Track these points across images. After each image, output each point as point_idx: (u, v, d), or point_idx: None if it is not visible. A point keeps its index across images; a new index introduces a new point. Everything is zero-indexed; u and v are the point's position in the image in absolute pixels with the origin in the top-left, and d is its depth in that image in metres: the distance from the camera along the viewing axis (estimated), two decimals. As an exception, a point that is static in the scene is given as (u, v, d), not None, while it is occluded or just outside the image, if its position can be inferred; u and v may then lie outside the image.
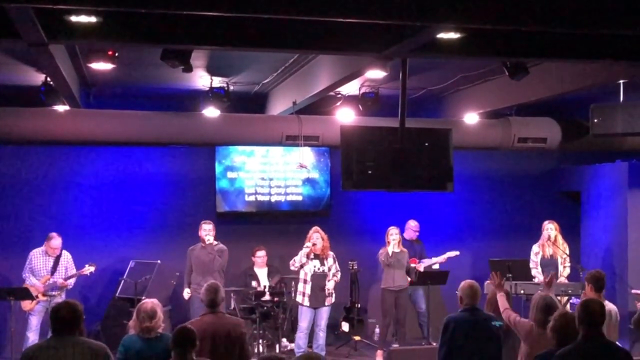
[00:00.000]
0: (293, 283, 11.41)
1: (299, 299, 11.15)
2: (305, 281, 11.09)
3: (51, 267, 11.02)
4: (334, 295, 11.25)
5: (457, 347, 7.22)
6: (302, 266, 11.08)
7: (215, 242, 11.28)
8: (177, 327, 6.21)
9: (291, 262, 11.18)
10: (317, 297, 11.07)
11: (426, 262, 12.44)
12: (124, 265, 11.87)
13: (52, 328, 5.78)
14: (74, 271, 11.16)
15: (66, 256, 11.18)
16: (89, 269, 11.24)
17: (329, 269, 11.18)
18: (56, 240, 11.06)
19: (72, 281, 11.19)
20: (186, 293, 11.24)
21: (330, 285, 11.16)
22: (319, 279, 11.08)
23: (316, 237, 11.13)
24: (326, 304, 11.15)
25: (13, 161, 12.33)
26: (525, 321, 7.20)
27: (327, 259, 11.21)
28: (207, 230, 11.28)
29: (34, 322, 10.78)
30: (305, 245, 11.06)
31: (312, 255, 11.08)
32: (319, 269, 11.11)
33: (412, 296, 12.38)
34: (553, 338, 5.96)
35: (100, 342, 5.89)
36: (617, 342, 6.85)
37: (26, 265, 10.98)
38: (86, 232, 12.44)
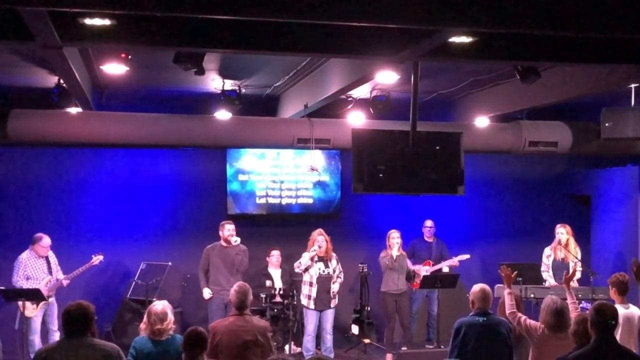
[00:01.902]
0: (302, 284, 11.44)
1: (304, 302, 11.15)
2: (310, 284, 11.09)
3: (47, 269, 10.93)
4: (337, 297, 11.28)
5: (467, 351, 7.23)
6: (306, 269, 11.10)
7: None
8: (188, 329, 6.24)
9: (296, 264, 11.20)
10: (323, 300, 11.09)
11: (443, 263, 12.42)
12: (135, 266, 11.91)
13: (64, 329, 5.81)
14: (59, 270, 11.10)
15: (52, 255, 11.05)
16: (97, 259, 11.20)
17: (334, 271, 11.21)
18: (47, 239, 10.87)
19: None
20: (207, 293, 10.98)
21: (335, 287, 11.19)
22: (324, 282, 11.09)
23: (321, 239, 11.14)
24: (331, 306, 11.18)
25: (25, 163, 12.39)
26: (535, 324, 7.20)
27: (330, 261, 11.23)
28: (231, 230, 11.16)
29: (37, 325, 10.73)
30: (312, 249, 11.07)
31: (316, 258, 11.11)
32: (323, 271, 11.13)
33: (428, 298, 12.41)
34: (574, 342, 5.97)
35: (112, 344, 5.94)
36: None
37: (19, 272, 10.69)
38: (97, 233, 12.49)
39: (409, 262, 12.18)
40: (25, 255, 10.82)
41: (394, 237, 11.77)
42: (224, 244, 11.18)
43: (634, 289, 8.09)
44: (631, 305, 7.89)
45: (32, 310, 10.59)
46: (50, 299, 10.80)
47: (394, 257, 11.65)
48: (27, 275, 10.75)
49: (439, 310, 11.94)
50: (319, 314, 11.12)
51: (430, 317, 12.45)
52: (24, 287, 10.59)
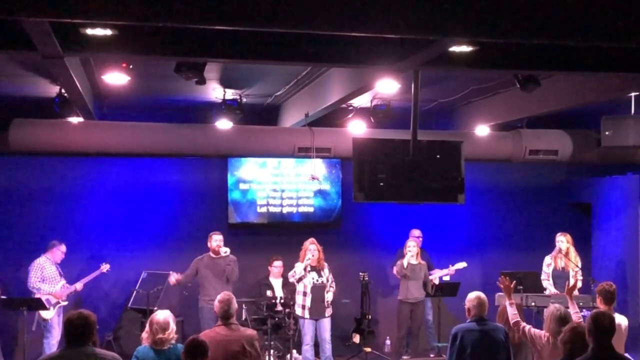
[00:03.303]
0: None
1: (298, 312, 11.15)
2: (305, 294, 11.11)
3: (58, 273, 11.23)
4: (331, 306, 11.29)
5: (465, 357, 7.23)
6: (300, 279, 11.11)
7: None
8: (188, 338, 6.23)
9: (290, 274, 11.22)
10: (318, 309, 11.11)
11: (433, 274, 12.43)
12: (136, 275, 11.91)
13: (65, 338, 5.80)
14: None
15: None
16: (105, 267, 11.62)
17: (327, 280, 11.23)
18: (64, 245, 11.33)
19: None
20: (173, 278, 11.17)
21: (329, 296, 11.22)
22: (318, 291, 11.12)
23: (313, 248, 11.17)
24: (326, 315, 11.20)
25: (26, 172, 12.41)
26: (540, 332, 7.20)
27: (323, 270, 11.26)
28: (219, 241, 11.26)
29: (57, 330, 10.91)
30: (306, 258, 11.08)
31: (309, 268, 11.12)
32: (317, 280, 11.16)
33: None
34: (562, 351, 5.98)
35: (113, 353, 5.93)
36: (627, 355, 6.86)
37: (36, 275, 11.01)
38: (99, 242, 12.51)
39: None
40: (41, 260, 11.18)
41: (408, 246, 11.85)
42: (212, 255, 11.23)
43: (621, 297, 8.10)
44: (617, 315, 7.90)
45: (49, 312, 10.92)
46: (65, 302, 11.13)
47: (404, 265, 11.68)
48: (44, 277, 11.07)
49: (440, 319, 11.97)
50: (315, 323, 11.13)
51: (427, 325, 12.46)
52: (42, 289, 10.95)
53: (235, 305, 7.23)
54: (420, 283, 11.88)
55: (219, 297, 7.26)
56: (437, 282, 12.26)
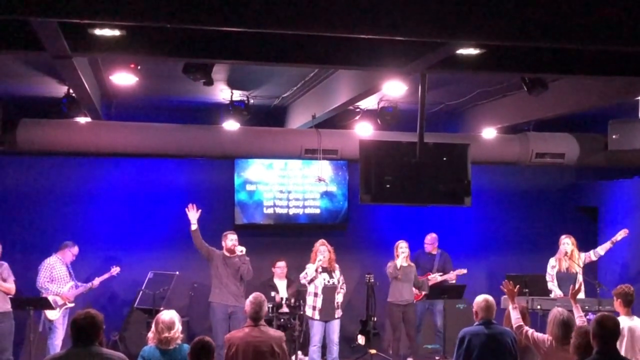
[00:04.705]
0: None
1: (309, 312, 11.12)
2: (316, 294, 11.07)
3: (68, 274, 11.23)
4: (340, 308, 11.29)
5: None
6: (311, 280, 11.10)
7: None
8: (195, 338, 6.24)
9: (302, 275, 11.16)
10: (328, 310, 11.06)
11: (439, 277, 12.39)
12: (142, 276, 11.92)
13: (72, 338, 5.81)
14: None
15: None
16: (115, 270, 11.58)
17: (338, 282, 11.22)
18: (77, 248, 11.34)
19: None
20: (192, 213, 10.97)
21: (339, 298, 11.20)
22: (329, 292, 11.10)
23: (323, 249, 11.13)
24: (336, 316, 11.17)
25: (34, 172, 12.43)
26: (543, 336, 7.19)
27: (334, 272, 11.23)
28: (234, 240, 11.12)
29: (61, 330, 10.94)
30: (317, 259, 11.07)
31: (320, 269, 11.11)
32: (328, 281, 11.13)
33: (429, 310, 12.41)
34: (574, 354, 5.97)
35: (120, 353, 5.92)
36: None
37: (45, 275, 11.01)
38: (105, 242, 12.52)
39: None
40: (52, 260, 11.16)
41: (401, 247, 11.75)
42: (227, 254, 11.17)
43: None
44: (636, 318, 7.88)
45: (55, 313, 10.92)
46: (71, 304, 11.12)
47: (398, 266, 11.64)
48: (52, 277, 11.07)
49: (445, 322, 11.94)
50: (325, 325, 11.11)
51: (435, 329, 12.43)
52: (50, 289, 10.95)
53: (265, 307, 7.29)
54: (411, 285, 11.83)
55: (250, 297, 7.30)
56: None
